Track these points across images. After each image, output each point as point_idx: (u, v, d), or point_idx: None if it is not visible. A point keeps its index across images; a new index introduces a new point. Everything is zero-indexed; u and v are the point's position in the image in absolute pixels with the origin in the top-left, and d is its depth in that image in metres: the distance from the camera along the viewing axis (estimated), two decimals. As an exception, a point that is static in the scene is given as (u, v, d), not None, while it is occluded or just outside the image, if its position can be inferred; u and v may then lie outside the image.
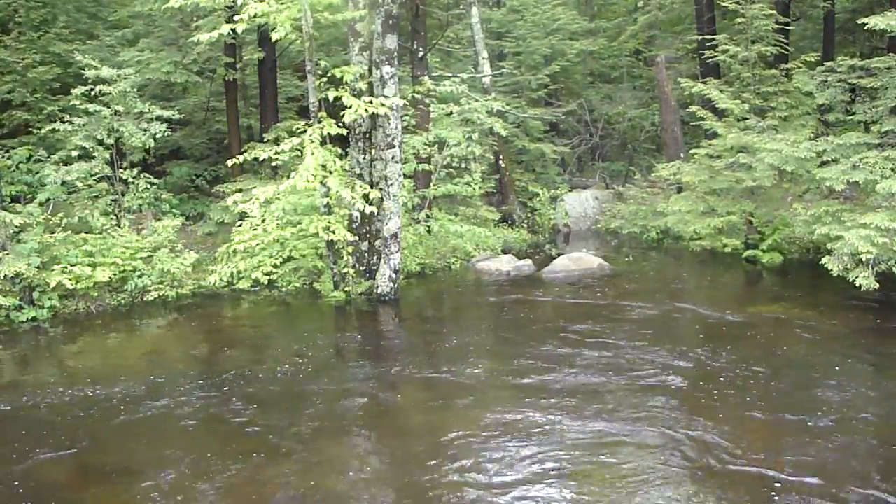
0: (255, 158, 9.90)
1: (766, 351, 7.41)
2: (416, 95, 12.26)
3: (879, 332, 8.07)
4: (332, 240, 9.94)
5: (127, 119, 11.73)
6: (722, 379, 6.71)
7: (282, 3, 9.21)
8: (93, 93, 11.43)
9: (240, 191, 11.14)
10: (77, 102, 11.38)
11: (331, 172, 9.51)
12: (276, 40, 9.95)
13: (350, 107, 9.30)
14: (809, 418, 5.79)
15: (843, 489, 4.77)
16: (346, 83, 9.71)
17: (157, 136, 11.92)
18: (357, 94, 9.68)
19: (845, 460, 5.18)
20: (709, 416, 5.91)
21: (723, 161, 11.96)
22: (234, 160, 10.21)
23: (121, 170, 12.06)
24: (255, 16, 8.93)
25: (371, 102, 9.41)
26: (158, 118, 11.95)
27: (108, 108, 11.49)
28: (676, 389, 6.50)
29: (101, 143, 11.55)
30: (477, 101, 14.04)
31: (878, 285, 8.36)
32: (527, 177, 17.24)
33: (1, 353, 8.52)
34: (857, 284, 8.42)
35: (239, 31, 9.36)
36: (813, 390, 6.40)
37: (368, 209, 9.72)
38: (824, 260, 8.95)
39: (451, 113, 13.73)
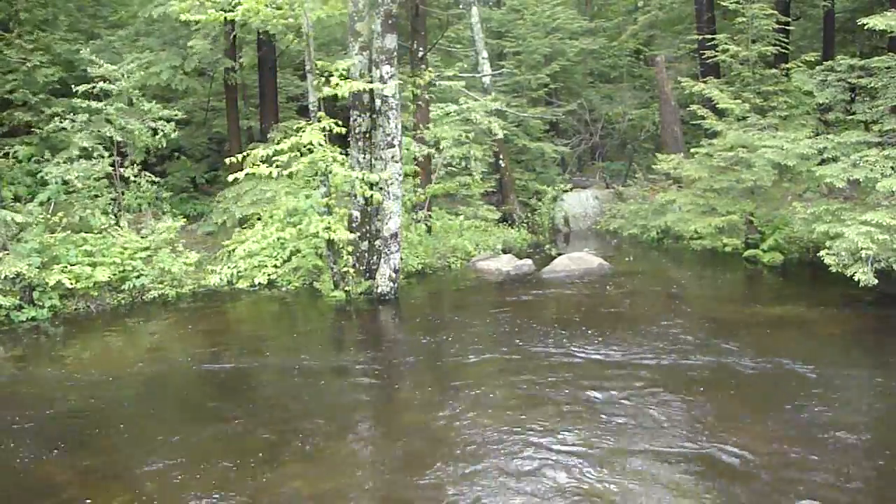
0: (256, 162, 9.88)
1: (766, 350, 7.39)
2: (416, 91, 12.26)
3: (880, 330, 8.08)
4: (332, 239, 9.95)
5: (131, 118, 11.72)
6: (722, 377, 6.71)
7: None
8: (95, 90, 11.42)
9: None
10: (79, 101, 11.38)
11: (329, 169, 9.52)
12: (276, 39, 9.95)
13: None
14: (808, 416, 5.79)
15: (840, 486, 4.77)
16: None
17: (168, 136, 11.92)
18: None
19: (845, 457, 5.18)
20: (707, 414, 5.92)
21: (723, 159, 11.97)
22: (231, 158, 10.14)
23: (121, 169, 12.06)
24: (247, 17, 8.97)
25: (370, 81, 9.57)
26: (162, 118, 11.95)
27: (112, 106, 11.48)
28: (676, 388, 6.49)
29: (103, 142, 11.55)
30: (476, 100, 14.03)
31: (876, 281, 8.37)
32: (527, 176, 17.23)
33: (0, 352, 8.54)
34: (856, 280, 8.42)
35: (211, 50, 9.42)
36: (813, 389, 6.39)
37: (373, 200, 9.76)
38: (822, 253, 8.97)
39: (450, 113, 13.73)
